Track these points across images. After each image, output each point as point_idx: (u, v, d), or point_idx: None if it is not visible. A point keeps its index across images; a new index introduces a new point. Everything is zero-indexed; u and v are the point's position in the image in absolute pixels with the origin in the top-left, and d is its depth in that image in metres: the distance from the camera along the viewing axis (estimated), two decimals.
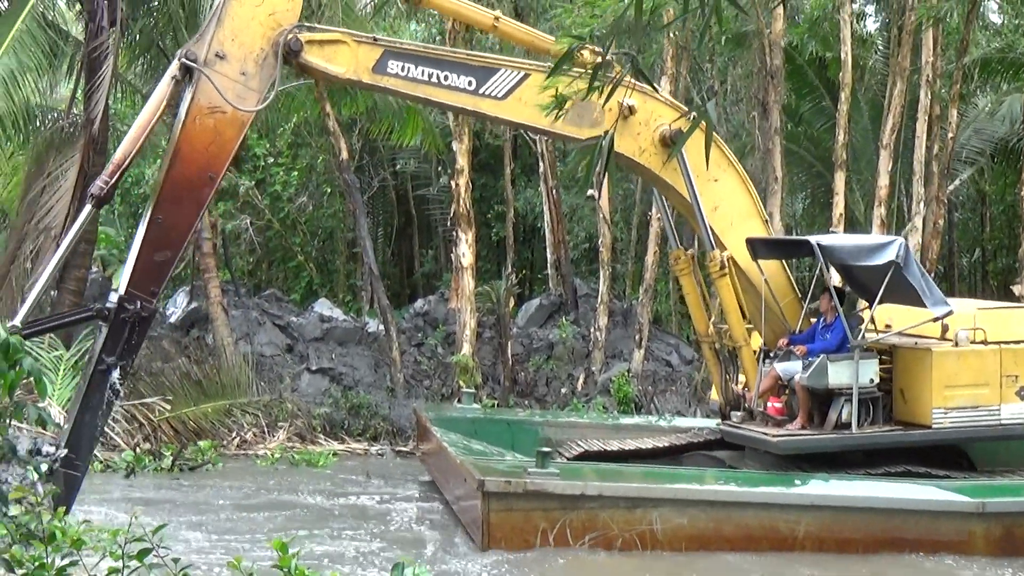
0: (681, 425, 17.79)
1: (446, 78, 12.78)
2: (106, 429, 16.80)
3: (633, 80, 9.53)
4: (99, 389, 10.84)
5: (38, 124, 20.72)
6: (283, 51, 11.78)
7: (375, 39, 12.80)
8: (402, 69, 12.75)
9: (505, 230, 25.07)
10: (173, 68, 11.67)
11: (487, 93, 12.92)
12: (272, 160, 26.72)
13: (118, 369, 10.83)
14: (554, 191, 24.96)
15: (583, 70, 5.62)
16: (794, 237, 14.69)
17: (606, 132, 5.45)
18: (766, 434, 14.28)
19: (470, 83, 12.87)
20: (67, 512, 9.86)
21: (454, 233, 22.43)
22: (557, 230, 25.13)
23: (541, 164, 24.94)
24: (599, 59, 5.38)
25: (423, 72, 12.81)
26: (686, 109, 14.98)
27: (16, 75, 18.04)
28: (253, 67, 11.68)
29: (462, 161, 21.79)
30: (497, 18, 13.90)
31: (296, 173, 27.05)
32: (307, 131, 27.59)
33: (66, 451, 10.28)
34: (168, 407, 18.31)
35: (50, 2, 20.49)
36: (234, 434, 18.99)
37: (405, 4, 13.33)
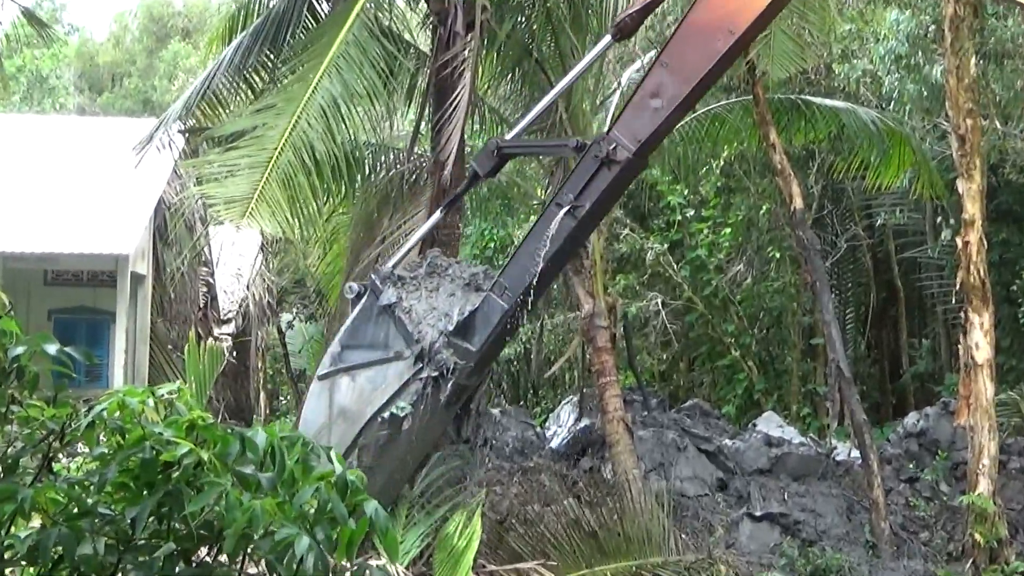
0: None
1: None
2: None
3: None
4: (548, 220, 12.03)
5: (367, 171, 18.25)
6: None
7: None
8: None
9: None
10: None
11: None
12: (693, 212, 24.84)
13: (570, 207, 11.90)
14: None
15: None
16: None
17: None
18: None
19: None
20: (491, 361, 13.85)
21: (962, 315, 18.07)
22: None
23: None
24: None
25: None
26: None
27: (340, 103, 14.83)
28: None
29: (972, 208, 17.29)
30: None
31: (728, 231, 25.10)
32: (743, 170, 24.90)
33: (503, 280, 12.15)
34: (551, 574, 15.42)
35: (385, 4, 17.53)
36: None
37: None
